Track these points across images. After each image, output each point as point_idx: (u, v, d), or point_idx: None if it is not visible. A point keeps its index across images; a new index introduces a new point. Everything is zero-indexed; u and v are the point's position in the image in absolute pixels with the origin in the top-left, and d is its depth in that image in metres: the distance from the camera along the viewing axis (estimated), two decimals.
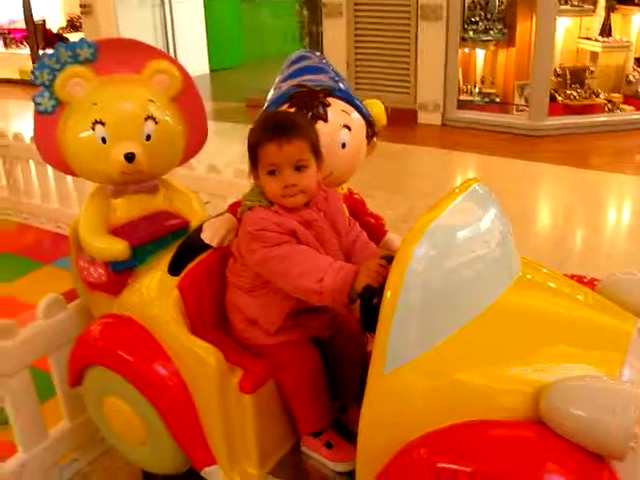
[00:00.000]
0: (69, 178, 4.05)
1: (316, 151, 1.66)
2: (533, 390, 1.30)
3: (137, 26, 8.00)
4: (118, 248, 1.87)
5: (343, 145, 1.81)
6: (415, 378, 1.37)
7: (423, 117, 6.65)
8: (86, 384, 1.89)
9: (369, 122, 1.90)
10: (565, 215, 4.52)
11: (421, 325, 1.38)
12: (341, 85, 1.87)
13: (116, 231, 1.94)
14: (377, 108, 1.95)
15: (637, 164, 5.62)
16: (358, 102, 1.87)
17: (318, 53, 1.96)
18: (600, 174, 5.24)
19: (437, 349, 1.38)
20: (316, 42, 7.25)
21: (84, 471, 2.22)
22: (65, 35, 9.63)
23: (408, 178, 5.12)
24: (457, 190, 1.52)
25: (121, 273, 1.91)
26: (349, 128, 1.82)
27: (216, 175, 3.31)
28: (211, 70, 10.03)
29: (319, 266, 1.54)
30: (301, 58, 1.92)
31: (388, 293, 1.35)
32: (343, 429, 1.80)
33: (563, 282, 1.68)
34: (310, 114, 1.77)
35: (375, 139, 1.94)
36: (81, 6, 7.72)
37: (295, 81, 1.85)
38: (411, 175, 5.23)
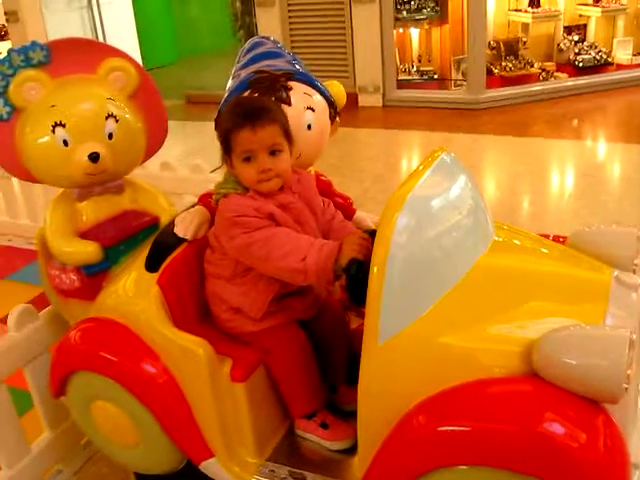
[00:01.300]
0: (16, 188, 3.95)
1: (288, 134, 1.66)
2: (522, 347, 1.32)
3: (66, 30, 7.74)
4: (89, 250, 1.83)
5: (309, 127, 1.81)
6: (408, 347, 1.39)
7: (364, 100, 6.70)
8: (71, 392, 1.85)
9: (330, 103, 1.91)
10: (513, 183, 4.62)
11: (409, 295, 1.39)
12: (300, 68, 1.88)
13: (85, 234, 1.90)
14: (336, 89, 1.97)
15: (574, 128, 5.78)
16: (319, 84, 1.88)
17: (272, 38, 1.96)
18: (541, 141, 5.38)
19: (426, 316, 1.40)
20: (250, 34, 7.20)
21: None
22: None
23: (356, 161, 5.16)
24: (427, 161, 1.54)
25: (95, 276, 1.87)
26: (313, 110, 1.82)
27: (170, 173, 3.27)
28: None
29: (301, 246, 1.55)
30: (257, 44, 1.91)
31: (375, 268, 1.36)
32: (334, 409, 1.82)
33: (537, 241, 1.73)
34: (273, 99, 1.77)
35: (337, 119, 1.95)
36: (6, 14, 7.46)
37: (254, 68, 1.84)
38: (359, 158, 5.26)
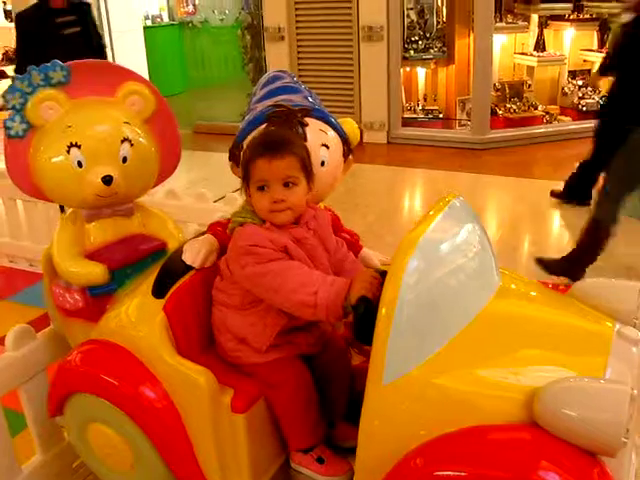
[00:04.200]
0: (20, 208, 3.94)
1: (307, 169, 1.67)
2: (524, 395, 1.33)
3: None
4: (96, 272, 1.84)
5: (322, 163, 1.83)
6: (412, 389, 1.40)
7: (369, 136, 6.73)
8: (68, 413, 1.85)
9: (344, 140, 1.93)
10: (515, 223, 4.65)
11: (416, 337, 1.41)
12: (316, 104, 1.90)
13: (92, 255, 1.91)
14: (350, 126, 1.98)
15: None
16: (334, 121, 1.90)
17: (290, 73, 1.98)
18: (543, 182, 5.41)
19: (431, 360, 1.41)
20: (259, 67, 7.28)
21: None
22: (1, 69, 9.36)
23: (361, 196, 5.17)
24: (439, 206, 1.56)
25: (99, 297, 1.87)
26: (327, 146, 1.84)
27: (175, 201, 3.27)
28: None
29: (312, 280, 1.56)
30: (274, 78, 1.94)
31: (383, 309, 1.37)
32: (331, 444, 1.81)
33: (541, 290, 1.74)
34: None
35: (350, 156, 1.97)
36: None
37: (271, 101, 1.85)
38: (363, 193, 5.28)
